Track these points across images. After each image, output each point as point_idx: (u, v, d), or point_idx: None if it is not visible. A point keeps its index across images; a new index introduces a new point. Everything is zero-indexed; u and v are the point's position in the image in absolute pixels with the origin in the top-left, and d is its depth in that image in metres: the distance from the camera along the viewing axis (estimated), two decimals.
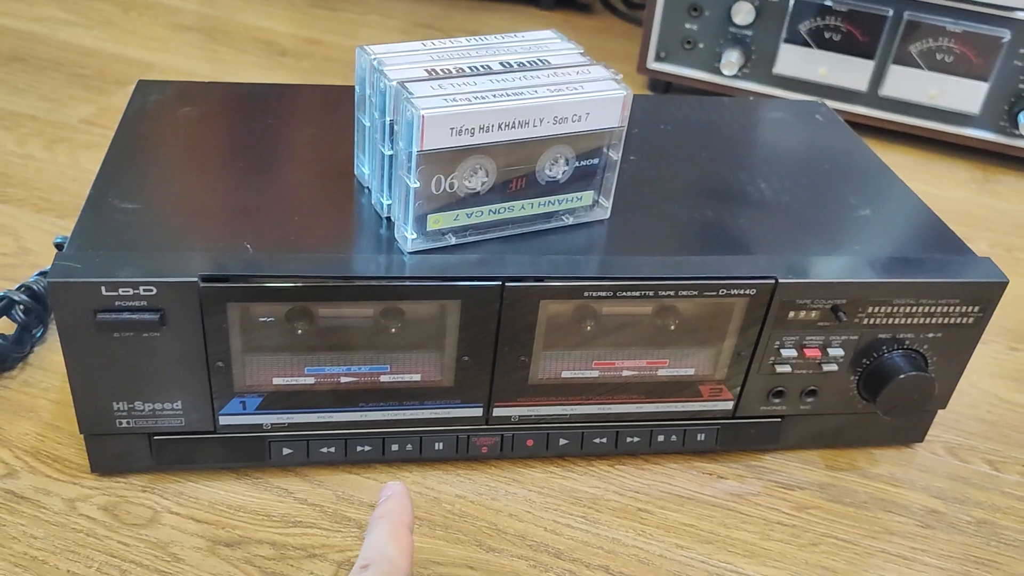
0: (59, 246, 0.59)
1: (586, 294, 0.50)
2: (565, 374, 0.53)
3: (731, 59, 0.99)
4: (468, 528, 0.53)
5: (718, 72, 1.02)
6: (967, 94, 0.95)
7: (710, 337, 0.53)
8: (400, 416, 0.53)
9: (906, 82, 0.96)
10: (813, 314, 0.53)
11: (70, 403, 0.50)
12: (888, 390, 0.54)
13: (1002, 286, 0.54)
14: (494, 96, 0.48)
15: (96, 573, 0.48)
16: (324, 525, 0.52)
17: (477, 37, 0.55)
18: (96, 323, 0.46)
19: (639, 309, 0.52)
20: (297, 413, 0.52)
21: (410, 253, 0.50)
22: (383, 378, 0.52)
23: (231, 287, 0.47)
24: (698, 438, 0.57)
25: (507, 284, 0.49)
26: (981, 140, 0.98)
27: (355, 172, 0.57)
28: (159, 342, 0.48)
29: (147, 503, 0.52)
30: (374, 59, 0.51)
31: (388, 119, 0.50)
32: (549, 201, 0.53)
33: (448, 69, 0.51)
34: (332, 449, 0.54)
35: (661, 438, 0.57)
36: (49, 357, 0.61)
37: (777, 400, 0.56)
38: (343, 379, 0.51)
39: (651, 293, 0.51)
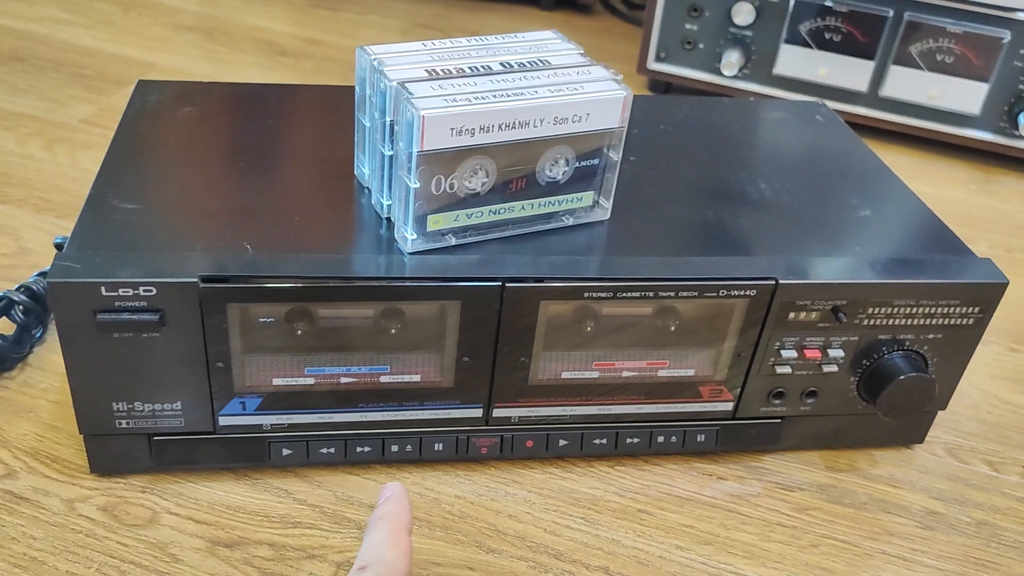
0: (59, 246, 0.59)
1: (586, 295, 0.50)
2: (565, 375, 0.53)
3: (731, 60, 0.99)
4: (468, 529, 0.53)
5: (718, 73, 1.02)
6: (967, 95, 0.95)
7: (710, 338, 0.53)
8: (400, 417, 0.53)
9: (906, 83, 0.96)
10: (813, 315, 0.53)
11: (69, 403, 0.50)
12: (888, 391, 0.54)
13: (1002, 287, 0.54)
14: (494, 96, 0.48)
15: (95, 574, 0.48)
16: (323, 526, 0.52)
17: (477, 37, 0.55)
18: (96, 323, 0.46)
19: (639, 310, 0.52)
20: (297, 414, 0.52)
21: (410, 254, 0.50)
22: (383, 379, 0.52)
23: (231, 287, 0.47)
24: (698, 439, 0.57)
25: (507, 285, 0.49)
26: (981, 141, 0.98)
27: (355, 172, 0.57)
28: (159, 342, 0.48)
29: (146, 504, 0.52)
30: (374, 59, 0.51)
31: (388, 119, 0.50)
32: (549, 202, 0.53)
33: (448, 69, 0.51)
34: (332, 450, 0.54)
35: (661, 439, 0.57)
36: (48, 357, 0.61)
37: (777, 401, 0.56)
38: (343, 380, 0.51)
39: (651, 294, 0.51)
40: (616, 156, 0.53)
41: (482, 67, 0.51)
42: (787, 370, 0.55)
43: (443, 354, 0.51)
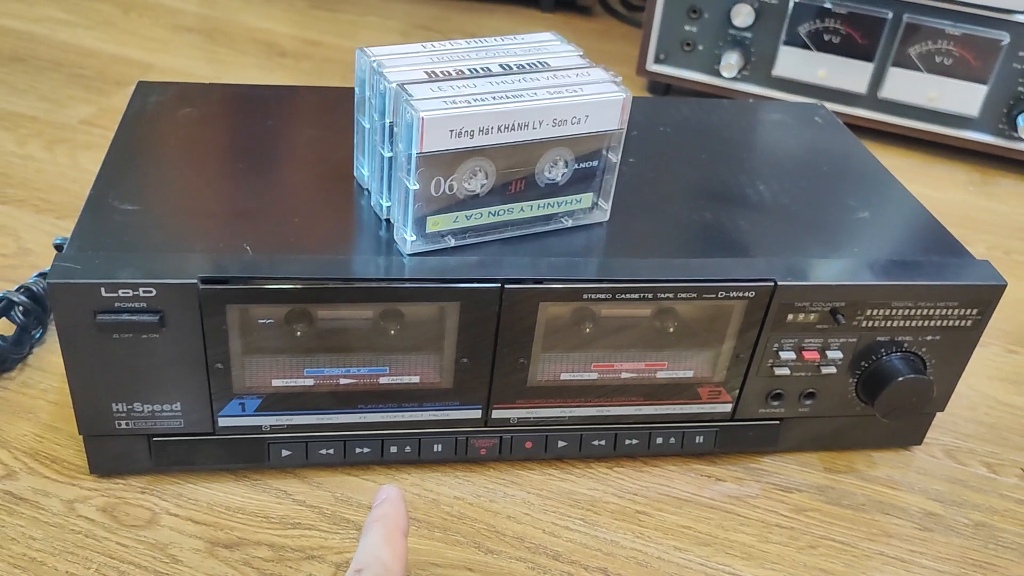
0: (59, 247, 0.59)
1: (585, 296, 0.50)
2: (564, 376, 0.54)
3: (730, 61, 0.99)
4: (466, 530, 0.53)
5: (717, 74, 1.02)
6: (966, 97, 0.95)
7: (709, 339, 0.54)
8: (399, 418, 0.53)
9: (905, 84, 0.96)
10: (812, 317, 0.53)
11: (69, 404, 0.50)
12: (887, 393, 0.54)
13: (1000, 289, 0.54)
14: (494, 98, 0.49)
15: (95, 574, 0.48)
16: (322, 527, 0.52)
17: (477, 39, 0.55)
18: (95, 324, 0.46)
19: (638, 311, 0.52)
20: (296, 415, 0.52)
21: (409, 255, 0.50)
22: (382, 380, 0.52)
23: (230, 289, 0.47)
24: (697, 440, 0.57)
25: (506, 286, 0.49)
26: (980, 143, 0.98)
27: (355, 174, 0.57)
28: (158, 343, 0.48)
29: (146, 504, 0.52)
30: (374, 61, 0.51)
31: (388, 121, 0.50)
32: (548, 203, 0.53)
33: (448, 71, 0.51)
34: (331, 451, 0.54)
35: (660, 440, 0.57)
36: (48, 358, 0.61)
37: (776, 402, 0.57)
38: (342, 381, 0.51)
39: (650, 295, 0.51)
40: (615, 158, 0.53)
41: (481, 69, 0.52)
42: (786, 371, 0.55)
43: (442, 355, 0.52)
